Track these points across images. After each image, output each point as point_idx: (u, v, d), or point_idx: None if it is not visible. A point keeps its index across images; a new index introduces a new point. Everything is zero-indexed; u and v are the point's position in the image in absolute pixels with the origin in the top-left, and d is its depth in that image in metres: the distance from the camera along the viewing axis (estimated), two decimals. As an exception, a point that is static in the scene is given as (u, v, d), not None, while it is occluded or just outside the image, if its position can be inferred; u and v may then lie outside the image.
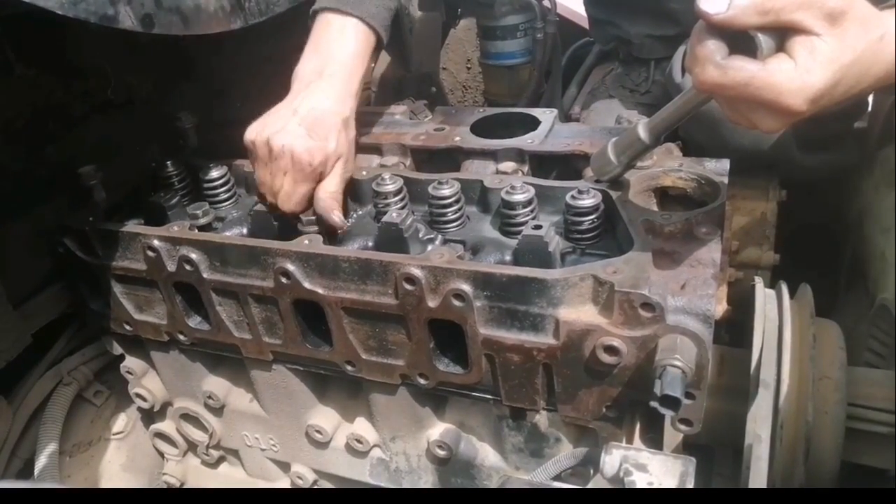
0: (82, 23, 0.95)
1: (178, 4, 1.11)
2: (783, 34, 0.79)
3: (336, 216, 1.21)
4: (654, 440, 1.09)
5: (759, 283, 1.22)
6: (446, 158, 1.38)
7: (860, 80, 0.80)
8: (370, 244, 1.20)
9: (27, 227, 1.37)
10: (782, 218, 1.63)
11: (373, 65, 2.40)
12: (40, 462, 1.47)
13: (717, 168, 1.17)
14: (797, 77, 0.77)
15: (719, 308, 1.26)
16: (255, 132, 1.21)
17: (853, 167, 1.67)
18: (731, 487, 1.15)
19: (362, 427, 1.34)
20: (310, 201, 1.23)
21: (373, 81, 2.39)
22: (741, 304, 1.30)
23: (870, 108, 1.71)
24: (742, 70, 0.79)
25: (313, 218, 1.23)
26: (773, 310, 1.17)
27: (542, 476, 1.06)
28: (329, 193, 1.21)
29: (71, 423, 1.58)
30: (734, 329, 1.39)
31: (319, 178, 1.21)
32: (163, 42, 1.12)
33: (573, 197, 1.11)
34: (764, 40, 0.78)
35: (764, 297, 1.19)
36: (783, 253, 1.64)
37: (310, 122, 1.18)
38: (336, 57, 1.23)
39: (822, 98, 0.79)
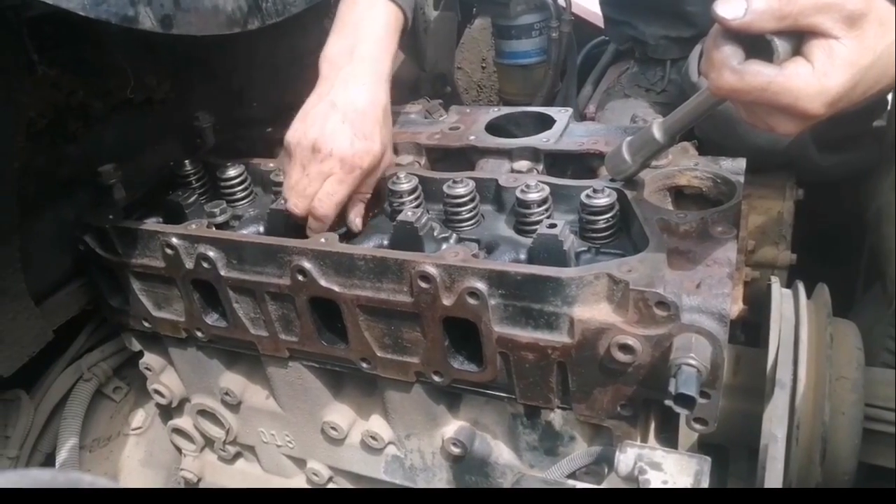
0: (103, 23, 0.96)
1: (196, 5, 1.12)
2: (800, 37, 0.78)
3: (358, 223, 1.21)
4: (668, 439, 1.09)
5: (775, 283, 1.21)
6: (461, 157, 1.39)
7: (878, 81, 0.80)
8: (385, 242, 1.21)
9: (49, 225, 1.39)
10: (799, 217, 1.62)
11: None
12: (61, 456, 1.49)
13: (733, 167, 1.17)
14: (815, 81, 0.77)
15: (735, 307, 1.25)
16: (300, 133, 1.16)
17: (872, 166, 1.65)
18: (746, 487, 1.14)
19: (377, 424, 1.35)
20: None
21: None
22: (757, 304, 1.29)
23: (889, 107, 1.69)
24: (759, 75, 0.78)
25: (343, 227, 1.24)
26: (789, 309, 1.16)
27: (556, 474, 1.06)
28: (361, 196, 1.21)
29: (91, 419, 1.60)
30: (750, 329, 1.38)
31: (364, 181, 1.19)
32: (181, 42, 1.14)
33: (588, 196, 1.11)
34: (781, 44, 0.78)
35: (780, 296, 1.18)
36: (800, 252, 1.63)
37: (353, 118, 1.14)
38: (365, 37, 1.19)
39: (840, 101, 0.78)
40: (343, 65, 1.18)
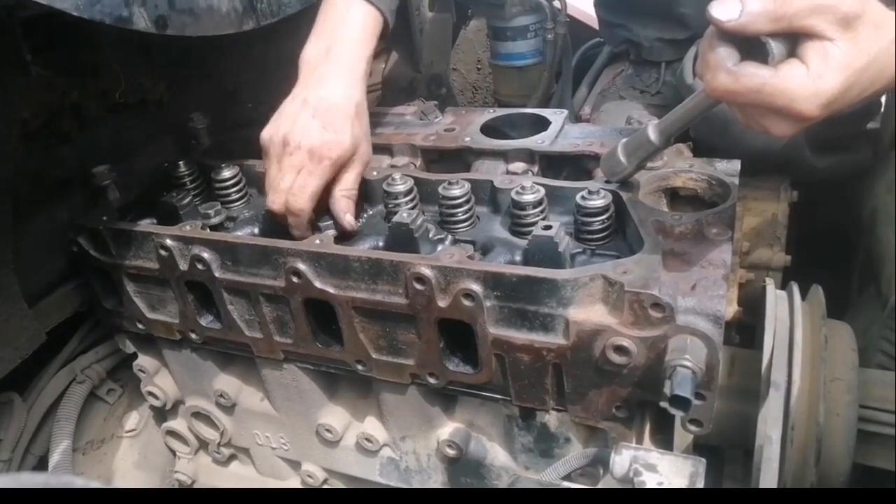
0: (97, 24, 0.96)
1: (191, 6, 1.12)
2: (795, 39, 0.79)
3: (348, 219, 1.21)
4: (664, 441, 1.09)
5: (769, 285, 1.22)
6: (456, 159, 1.39)
7: (873, 83, 0.80)
8: (381, 244, 1.20)
9: (42, 227, 1.38)
10: (794, 219, 1.63)
11: (383, 66, 2.41)
12: (54, 459, 1.49)
13: (728, 169, 1.17)
14: (810, 83, 0.77)
15: (730, 309, 1.26)
16: (272, 131, 1.19)
17: (866, 168, 1.66)
18: (738, 488, 1.15)
19: (372, 426, 1.34)
20: (321, 197, 1.20)
21: (383, 82, 2.40)
22: (752, 306, 1.30)
23: (882, 109, 1.70)
24: (754, 76, 0.79)
25: (330, 223, 1.23)
26: (784, 311, 1.17)
27: (551, 476, 1.06)
28: (345, 192, 1.21)
29: (84, 421, 1.59)
30: (745, 330, 1.38)
31: (335, 172, 1.19)
32: (176, 43, 1.13)
33: (583, 197, 1.11)
34: (775, 46, 0.78)
35: (775, 298, 1.19)
36: (795, 254, 1.64)
37: (322, 113, 1.16)
38: (341, 38, 1.21)
39: (834, 103, 0.79)
40: (318, 65, 1.20)
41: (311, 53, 1.22)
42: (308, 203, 1.18)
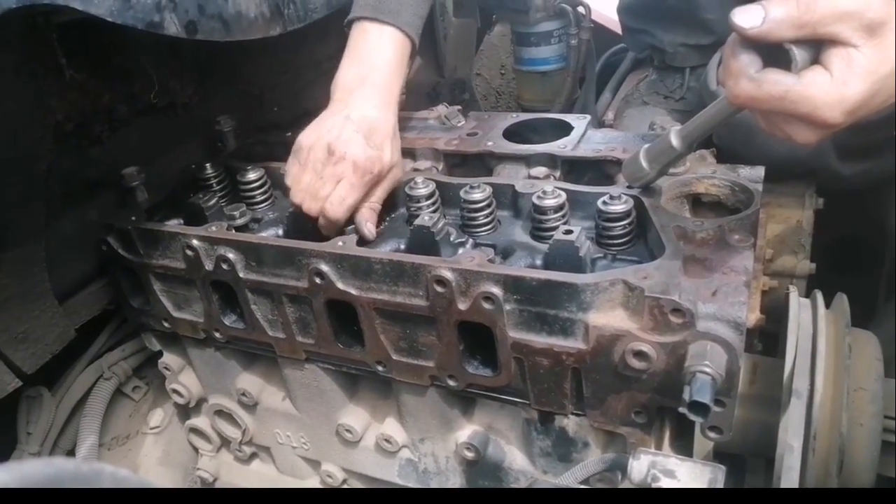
0: (130, 29, 0.99)
1: (220, 11, 1.15)
2: (818, 46, 0.78)
3: (369, 228, 1.23)
4: (683, 447, 1.08)
5: (793, 292, 1.21)
6: (478, 163, 1.40)
7: None
8: (402, 247, 1.21)
9: (73, 226, 1.42)
10: (819, 226, 1.61)
11: (408, 71, 2.43)
12: (80, 453, 1.52)
13: (752, 175, 1.17)
14: (833, 90, 0.76)
15: (752, 316, 1.25)
16: (313, 137, 1.21)
17: (893, 175, 1.63)
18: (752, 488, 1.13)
19: (391, 427, 1.35)
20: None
21: (407, 87, 2.42)
22: (775, 314, 1.28)
23: (912, 116, 1.67)
24: (777, 84, 0.78)
25: (351, 227, 1.25)
26: (807, 319, 1.15)
27: (569, 480, 1.06)
28: (370, 204, 1.24)
29: (110, 417, 1.63)
30: (768, 338, 1.37)
31: (372, 187, 1.23)
32: (205, 47, 1.16)
33: (605, 202, 1.11)
34: (799, 53, 0.78)
35: (798, 305, 1.17)
36: (820, 262, 1.62)
37: (365, 129, 1.20)
38: (377, 66, 1.25)
39: (859, 110, 0.78)
40: (355, 89, 1.24)
41: (347, 79, 1.26)
42: (346, 214, 1.22)
